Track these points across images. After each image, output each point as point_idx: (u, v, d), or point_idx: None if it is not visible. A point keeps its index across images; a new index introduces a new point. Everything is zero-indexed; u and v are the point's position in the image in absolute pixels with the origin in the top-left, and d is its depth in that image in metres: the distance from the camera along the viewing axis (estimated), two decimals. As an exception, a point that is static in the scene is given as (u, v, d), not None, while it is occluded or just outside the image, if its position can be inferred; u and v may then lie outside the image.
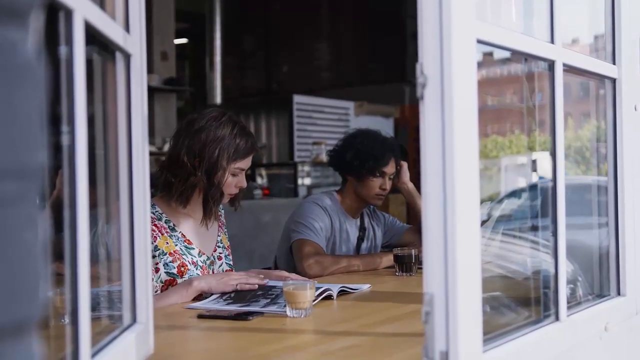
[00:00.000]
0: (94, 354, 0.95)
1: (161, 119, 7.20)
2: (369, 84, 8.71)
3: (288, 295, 1.68)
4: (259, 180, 6.92)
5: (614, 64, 1.64)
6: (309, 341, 1.54)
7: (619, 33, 1.64)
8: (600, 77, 1.65)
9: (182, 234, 2.10)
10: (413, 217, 3.21)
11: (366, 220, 2.85)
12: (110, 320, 1.24)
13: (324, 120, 7.75)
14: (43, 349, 0.56)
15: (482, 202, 1.12)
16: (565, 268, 1.37)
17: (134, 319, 1.21)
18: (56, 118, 0.87)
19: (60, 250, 0.88)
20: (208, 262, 2.15)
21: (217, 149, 2.04)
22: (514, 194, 2.39)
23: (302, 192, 6.65)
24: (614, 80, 1.65)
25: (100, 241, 1.23)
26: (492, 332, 1.17)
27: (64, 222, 0.88)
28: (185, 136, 2.06)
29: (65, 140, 0.87)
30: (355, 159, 2.68)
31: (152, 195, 2.21)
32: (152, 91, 6.89)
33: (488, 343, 1.12)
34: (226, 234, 2.29)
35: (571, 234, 1.42)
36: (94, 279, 1.12)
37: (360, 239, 2.80)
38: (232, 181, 2.10)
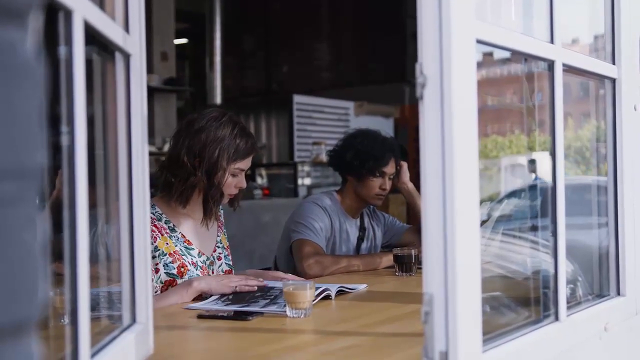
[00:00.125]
0: (93, 354, 0.95)
1: (161, 119, 7.20)
2: (369, 84, 8.71)
3: (288, 295, 1.68)
4: (259, 180, 6.92)
5: (614, 64, 1.65)
6: (308, 341, 1.54)
7: (619, 33, 1.64)
8: (600, 77, 1.65)
9: (182, 234, 2.10)
10: (413, 217, 3.21)
11: (366, 220, 2.85)
12: (109, 320, 1.24)
13: (324, 120, 7.75)
14: (42, 349, 0.56)
15: (482, 202, 1.13)
16: (565, 268, 1.37)
17: (133, 319, 1.21)
18: (56, 118, 0.87)
19: (60, 250, 0.88)
20: (208, 262, 2.15)
21: (217, 149, 2.04)
22: (514, 194, 2.38)
23: (302, 192, 6.65)
24: (613, 80, 1.65)
25: (100, 241, 1.23)
26: (492, 332, 1.17)
27: (63, 222, 0.88)
28: (186, 136, 2.06)
29: (64, 140, 0.87)
30: (355, 159, 2.68)
31: (152, 196, 2.21)
32: (152, 91, 6.89)
33: (488, 343, 1.12)
34: (225, 234, 2.29)
35: (571, 234, 1.42)
36: (94, 279, 1.12)
37: (360, 239, 2.80)
38: (232, 181, 2.10)
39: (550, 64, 1.37)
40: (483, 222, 1.77)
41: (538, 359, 1.29)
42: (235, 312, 1.73)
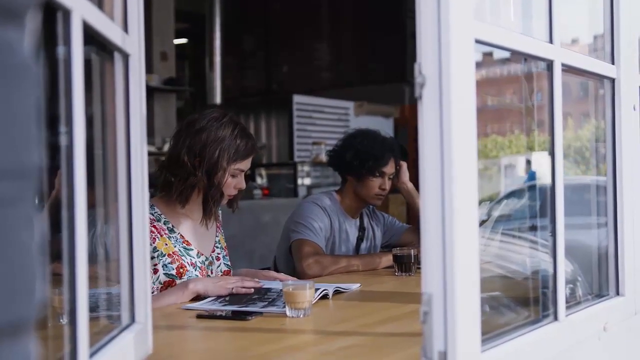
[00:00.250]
0: (92, 354, 0.95)
1: (161, 119, 7.20)
2: (369, 84, 8.71)
3: (287, 295, 1.68)
4: (259, 180, 6.92)
5: (613, 64, 1.65)
6: (308, 341, 1.54)
7: (618, 33, 1.64)
8: (599, 77, 1.66)
9: (180, 235, 2.10)
10: (413, 217, 3.21)
11: (365, 220, 2.85)
12: (108, 320, 1.24)
13: (323, 120, 7.75)
14: (40, 349, 0.56)
15: (481, 202, 1.13)
16: (564, 268, 1.37)
17: (132, 319, 1.21)
18: (54, 118, 0.87)
19: (59, 250, 0.88)
20: (207, 262, 2.15)
21: (217, 149, 2.05)
22: (513, 193, 2.38)
23: (301, 192, 6.65)
24: (612, 80, 1.65)
25: (99, 241, 1.23)
26: (491, 332, 1.17)
27: (62, 222, 0.88)
28: (186, 136, 2.07)
29: (63, 140, 0.87)
30: (355, 159, 2.68)
31: (152, 196, 2.21)
32: (151, 91, 6.89)
33: (486, 343, 1.12)
34: (223, 234, 2.30)
35: (570, 234, 1.42)
36: (93, 279, 1.12)
37: (360, 239, 2.80)
38: (232, 182, 2.10)
39: (549, 64, 1.37)
40: (482, 222, 1.77)
41: (537, 359, 1.29)
42: (235, 312, 1.73)
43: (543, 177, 1.45)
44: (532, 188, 1.78)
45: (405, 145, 3.25)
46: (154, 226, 2.04)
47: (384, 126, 7.01)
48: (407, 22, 8.32)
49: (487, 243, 1.68)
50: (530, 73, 1.55)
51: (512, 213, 2.11)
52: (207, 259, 2.15)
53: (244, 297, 1.90)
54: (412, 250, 2.41)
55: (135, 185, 1.21)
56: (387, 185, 2.70)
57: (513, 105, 1.83)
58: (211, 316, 1.71)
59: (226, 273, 2.22)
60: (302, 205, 2.69)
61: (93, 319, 0.96)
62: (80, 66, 0.88)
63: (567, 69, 1.42)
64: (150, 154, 5.86)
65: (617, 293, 1.64)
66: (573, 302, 1.50)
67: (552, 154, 1.37)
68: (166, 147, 6.23)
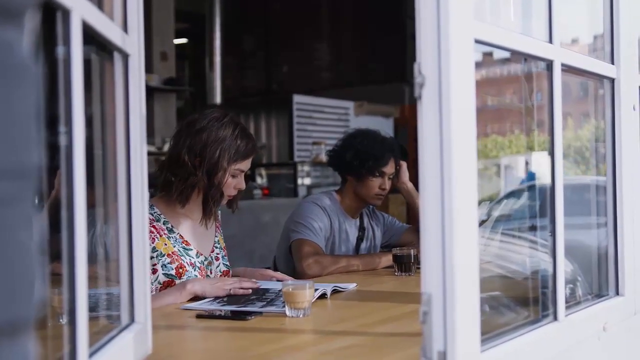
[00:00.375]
0: (91, 354, 0.95)
1: (161, 119, 7.20)
2: (369, 84, 8.71)
3: (287, 295, 1.68)
4: (259, 180, 6.92)
5: (613, 64, 1.65)
6: (308, 341, 1.54)
7: (618, 33, 1.64)
8: (599, 77, 1.66)
9: (180, 235, 2.10)
10: (413, 217, 3.21)
11: (365, 220, 2.85)
12: (108, 320, 1.24)
13: (323, 120, 7.75)
14: (39, 349, 0.56)
15: (481, 201, 1.13)
16: (563, 268, 1.37)
17: (132, 319, 1.21)
18: (54, 118, 0.87)
19: (58, 250, 0.88)
20: (206, 262, 2.15)
21: (218, 149, 2.05)
22: (513, 193, 2.38)
23: (301, 192, 6.65)
24: (612, 80, 1.65)
25: (99, 241, 1.23)
26: (491, 332, 1.17)
27: (62, 222, 0.88)
28: (187, 136, 2.07)
29: (62, 140, 0.87)
30: (355, 158, 2.68)
31: (152, 196, 2.21)
32: (151, 91, 6.89)
33: (486, 343, 1.12)
34: (222, 234, 2.30)
35: (570, 234, 1.42)
36: (93, 279, 1.12)
37: (360, 239, 2.80)
38: (231, 182, 2.10)
39: (549, 64, 1.37)
40: (482, 222, 1.77)
41: (536, 359, 1.29)
42: (234, 311, 1.73)
43: (543, 177, 1.45)
44: (532, 188, 1.79)
45: (405, 145, 3.25)
46: (154, 226, 2.04)
47: (384, 126, 7.01)
48: (407, 22, 8.32)
49: (487, 243, 1.68)
50: (530, 73, 1.55)
51: (512, 213, 2.11)
52: (206, 259, 2.15)
53: (242, 297, 1.90)
54: (411, 250, 2.41)
55: (134, 185, 1.21)
56: (387, 185, 2.70)
57: (513, 105, 1.83)
58: (211, 316, 1.71)
59: (225, 273, 2.22)
60: (302, 205, 2.70)
61: (92, 319, 0.96)
62: (79, 66, 0.88)
63: (567, 69, 1.42)
64: (150, 153, 5.86)
65: (617, 293, 1.64)
66: (573, 302, 1.50)
67: (551, 154, 1.37)
68: (166, 147, 6.22)
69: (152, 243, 2.01)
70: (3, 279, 0.50)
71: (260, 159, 7.50)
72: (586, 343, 1.49)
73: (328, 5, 9.47)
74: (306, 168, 6.83)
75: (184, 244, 2.10)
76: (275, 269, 2.63)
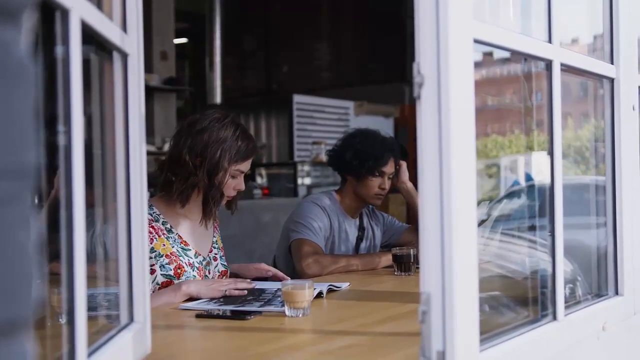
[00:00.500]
0: (90, 353, 0.95)
1: (161, 119, 7.20)
2: (369, 84, 8.71)
3: (286, 294, 1.68)
4: (259, 180, 6.92)
5: (612, 63, 1.65)
6: (307, 340, 1.54)
7: (617, 33, 1.64)
8: (599, 77, 1.65)
9: (178, 235, 2.10)
10: (412, 217, 3.21)
11: (365, 220, 2.85)
12: (107, 319, 1.24)
13: (323, 120, 7.75)
14: (37, 348, 0.56)
15: (481, 201, 1.13)
16: (562, 267, 1.37)
17: (131, 318, 1.21)
18: (53, 118, 0.87)
19: (58, 250, 0.88)
20: (204, 263, 2.15)
21: (219, 149, 2.05)
22: (513, 193, 2.38)
23: (301, 191, 6.65)
24: (612, 80, 1.65)
25: (99, 241, 1.23)
26: (490, 332, 1.17)
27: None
28: (187, 136, 2.07)
29: (61, 140, 0.87)
30: (355, 158, 2.68)
31: (151, 195, 2.21)
32: (151, 91, 6.90)
33: (485, 342, 1.12)
34: (219, 235, 2.30)
35: (570, 234, 1.42)
36: (93, 278, 1.13)
37: (359, 239, 2.80)
38: (231, 183, 2.11)
39: (548, 64, 1.37)
40: (482, 222, 1.77)
41: (536, 359, 1.29)
42: (234, 311, 1.73)
43: (542, 177, 1.45)
44: (531, 188, 1.79)
45: (405, 145, 3.25)
46: (152, 227, 2.04)
47: (384, 126, 7.01)
48: (407, 22, 8.32)
49: (486, 243, 1.68)
50: (530, 73, 1.55)
51: (512, 213, 2.11)
52: (204, 259, 2.15)
53: (239, 298, 1.91)
54: (411, 249, 2.41)
55: (134, 185, 1.21)
56: (387, 184, 2.70)
57: (513, 105, 1.83)
58: (210, 316, 1.71)
59: (223, 273, 2.22)
60: (302, 205, 2.70)
61: (92, 319, 0.96)
62: (78, 66, 0.88)
63: (566, 68, 1.42)
64: (150, 153, 5.86)
65: (616, 293, 1.64)
66: (572, 301, 1.50)
67: (551, 154, 1.37)
68: (166, 147, 6.23)
69: (151, 244, 2.01)
70: (1, 279, 0.50)
71: (260, 159, 7.51)
72: (585, 343, 1.49)
73: (328, 5, 9.47)
74: (306, 168, 6.84)
75: (182, 244, 2.10)
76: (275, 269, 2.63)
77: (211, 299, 1.89)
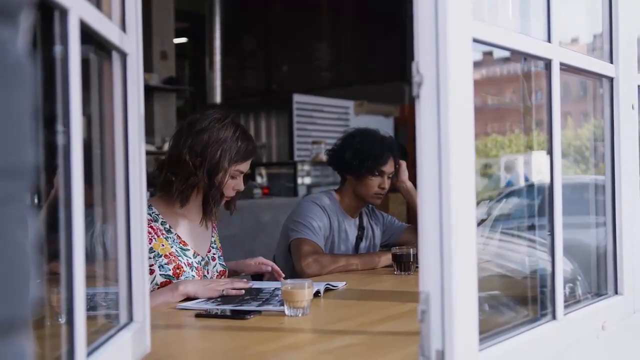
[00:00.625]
0: (89, 353, 0.96)
1: (161, 119, 7.20)
2: (369, 83, 8.71)
3: (286, 294, 1.68)
4: (259, 180, 6.92)
5: (612, 63, 1.65)
6: (307, 340, 1.54)
7: (616, 32, 1.64)
8: (598, 76, 1.65)
9: (177, 235, 2.10)
10: (412, 216, 3.21)
11: (365, 219, 2.85)
12: (106, 319, 1.24)
13: (323, 120, 7.75)
14: (36, 348, 0.56)
15: (481, 201, 1.13)
16: (562, 267, 1.37)
17: (130, 318, 1.21)
18: (52, 118, 0.87)
19: (57, 250, 0.88)
20: (203, 263, 2.15)
21: (219, 149, 2.05)
22: (513, 192, 2.38)
23: (301, 191, 6.65)
24: (611, 79, 1.65)
25: (98, 241, 1.23)
26: (489, 331, 1.17)
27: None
28: (187, 136, 2.07)
29: (60, 139, 0.87)
30: (354, 158, 2.68)
31: (151, 195, 2.21)
32: (151, 90, 6.89)
33: (484, 342, 1.12)
34: (217, 234, 2.30)
35: (570, 233, 1.42)
36: (92, 278, 1.13)
37: (359, 238, 2.80)
38: (231, 183, 2.11)
39: (548, 63, 1.37)
40: (482, 221, 1.77)
41: (535, 358, 1.29)
42: (233, 310, 1.73)
43: (542, 177, 1.45)
44: (531, 187, 1.79)
45: (405, 145, 3.25)
46: (151, 227, 2.04)
47: (384, 125, 7.01)
48: (407, 21, 8.31)
49: (486, 242, 1.68)
50: (530, 72, 1.55)
51: (512, 212, 2.11)
52: (203, 259, 2.15)
53: (236, 297, 1.91)
54: (411, 249, 2.41)
55: (133, 185, 1.21)
56: (387, 184, 2.70)
57: (513, 105, 1.83)
58: (210, 315, 1.71)
59: (222, 273, 2.22)
60: (302, 205, 2.70)
61: (91, 318, 0.96)
62: (77, 65, 0.88)
63: (566, 68, 1.42)
64: (149, 153, 5.86)
65: (616, 292, 1.64)
66: (572, 301, 1.50)
67: (550, 153, 1.37)
68: (166, 147, 6.22)
69: (149, 244, 2.01)
70: None
71: (260, 158, 7.51)
72: (585, 342, 1.49)
73: (328, 5, 9.47)
74: (306, 167, 6.84)
75: (181, 245, 2.10)
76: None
77: (208, 299, 1.90)
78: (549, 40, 1.36)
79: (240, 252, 4.84)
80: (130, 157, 1.20)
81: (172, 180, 2.08)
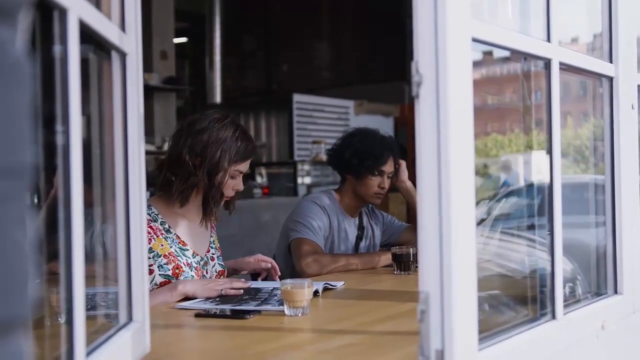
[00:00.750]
0: (89, 353, 0.96)
1: (161, 118, 7.19)
2: (369, 83, 8.72)
3: (286, 293, 1.68)
4: (259, 179, 6.92)
5: (611, 62, 1.65)
6: (306, 339, 1.54)
7: (616, 31, 1.64)
8: (598, 76, 1.65)
9: (177, 235, 2.10)
10: (412, 216, 3.21)
11: (365, 219, 2.85)
12: (106, 319, 1.24)
13: (323, 119, 7.75)
14: (35, 347, 0.56)
15: (480, 200, 1.13)
16: (561, 266, 1.37)
17: (130, 318, 1.21)
18: (52, 117, 0.87)
19: (57, 249, 0.88)
20: (202, 263, 2.15)
21: (219, 149, 2.05)
22: (513, 192, 2.38)
23: (301, 191, 6.65)
24: (611, 79, 1.65)
25: (98, 240, 1.23)
26: (489, 331, 1.17)
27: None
28: (187, 136, 2.07)
29: (60, 139, 0.87)
30: (354, 157, 2.68)
31: (151, 195, 2.21)
32: (151, 90, 6.89)
33: (484, 341, 1.12)
34: (216, 234, 2.30)
35: (569, 233, 1.42)
36: (92, 278, 1.13)
37: (359, 238, 2.80)
38: (230, 183, 2.11)
39: (547, 63, 1.37)
40: (482, 221, 1.77)
41: (535, 358, 1.29)
42: (233, 310, 1.73)
43: (541, 176, 1.45)
44: (530, 187, 1.79)
45: (405, 144, 3.25)
46: (150, 227, 2.04)
47: (384, 125, 7.01)
48: (407, 21, 8.31)
49: (485, 242, 1.68)
50: (530, 72, 1.55)
51: (511, 212, 2.11)
52: (202, 259, 2.16)
53: (235, 297, 1.91)
54: (411, 249, 2.41)
55: (132, 185, 1.21)
56: (386, 184, 2.70)
57: (513, 104, 1.83)
58: (209, 315, 1.71)
59: (221, 273, 2.23)
60: (302, 204, 2.70)
61: (90, 318, 0.96)
62: (76, 65, 0.88)
63: (565, 67, 1.42)
64: (149, 153, 5.86)
65: (616, 292, 1.64)
66: (571, 300, 1.50)
67: (549, 153, 1.37)
68: (165, 147, 6.22)
69: (149, 244, 2.02)
70: (-2, 278, 0.50)
71: (260, 158, 7.51)
72: (584, 341, 1.49)
73: (328, 5, 9.47)
74: (306, 167, 6.84)
75: (180, 244, 2.10)
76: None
77: (207, 299, 1.90)
78: (548, 39, 1.36)
79: (240, 252, 4.83)
80: (129, 157, 1.20)
81: (172, 180, 2.08)
